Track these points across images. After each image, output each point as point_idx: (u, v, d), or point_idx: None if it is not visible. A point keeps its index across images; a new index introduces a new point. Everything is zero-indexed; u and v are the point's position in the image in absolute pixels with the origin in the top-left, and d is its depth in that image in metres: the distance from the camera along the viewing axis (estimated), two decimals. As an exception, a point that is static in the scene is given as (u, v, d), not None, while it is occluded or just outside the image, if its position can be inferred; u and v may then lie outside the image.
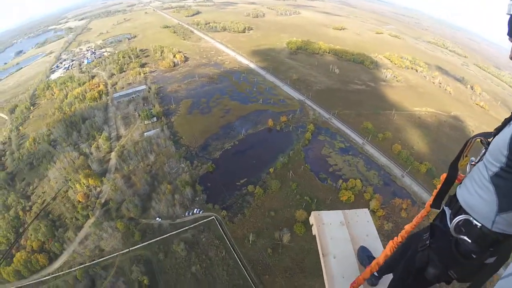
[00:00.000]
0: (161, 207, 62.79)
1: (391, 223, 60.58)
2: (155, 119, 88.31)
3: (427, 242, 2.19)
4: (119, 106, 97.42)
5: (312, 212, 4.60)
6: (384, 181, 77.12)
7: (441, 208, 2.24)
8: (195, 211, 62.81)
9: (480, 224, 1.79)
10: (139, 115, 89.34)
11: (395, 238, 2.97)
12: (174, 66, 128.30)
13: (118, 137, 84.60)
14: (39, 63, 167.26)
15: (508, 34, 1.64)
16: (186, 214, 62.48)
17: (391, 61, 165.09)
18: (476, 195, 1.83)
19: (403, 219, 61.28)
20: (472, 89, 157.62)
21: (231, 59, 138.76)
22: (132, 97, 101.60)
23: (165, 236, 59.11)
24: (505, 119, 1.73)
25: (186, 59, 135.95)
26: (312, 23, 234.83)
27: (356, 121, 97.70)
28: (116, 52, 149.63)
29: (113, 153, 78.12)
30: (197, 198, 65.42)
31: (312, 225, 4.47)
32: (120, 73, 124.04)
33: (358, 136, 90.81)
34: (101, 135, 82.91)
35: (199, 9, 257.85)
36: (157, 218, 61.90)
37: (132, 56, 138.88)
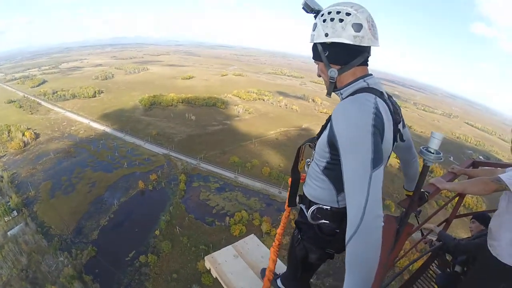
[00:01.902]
0: (54, 316, 55.65)
1: (287, 236, 64.49)
2: (15, 213, 78.66)
3: (299, 236, 2.73)
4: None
5: (205, 257, 4.74)
6: (266, 203, 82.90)
7: (297, 205, 2.82)
8: (92, 306, 56.81)
9: (329, 207, 2.32)
10: None
11: (274, 243, 3.48)
12: (25, 146, 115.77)
13: None
14: None
15: (313, 58, 2.26)
16: (84, 312, 56.33)
17: (240, 97, 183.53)
18: (316, 187, 2.37)
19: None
20: (313, 102, 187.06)
21: (85, 127, 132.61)
22: None
23: None
24: (322, 126, 2.36)
25: (37, 135, 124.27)
26: (161, 77, 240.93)
27: (223, 159, 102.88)
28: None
29: None
30: (89, 290, 59.91)
31: (210, 269, 4.61)
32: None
33: (229, 172, 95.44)
34: (-45, 248, 71.53)
35: (44, 78, 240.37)
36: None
37: None
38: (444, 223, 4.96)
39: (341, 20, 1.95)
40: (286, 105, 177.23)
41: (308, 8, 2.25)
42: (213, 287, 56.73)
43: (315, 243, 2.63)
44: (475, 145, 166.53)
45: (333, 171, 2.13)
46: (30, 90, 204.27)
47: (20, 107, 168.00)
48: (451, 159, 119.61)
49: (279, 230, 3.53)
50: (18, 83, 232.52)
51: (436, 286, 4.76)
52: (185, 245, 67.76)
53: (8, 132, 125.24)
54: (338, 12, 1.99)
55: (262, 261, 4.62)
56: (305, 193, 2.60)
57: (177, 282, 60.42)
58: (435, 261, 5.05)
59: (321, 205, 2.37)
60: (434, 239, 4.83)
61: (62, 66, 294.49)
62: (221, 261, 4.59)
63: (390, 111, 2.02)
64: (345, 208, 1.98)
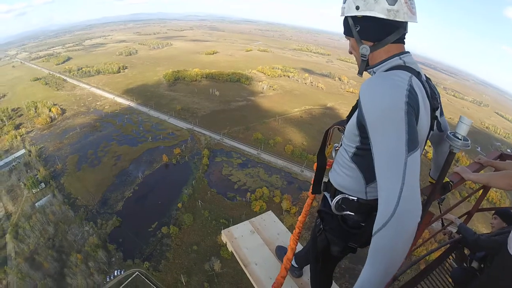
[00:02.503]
0: (78, 282, 56.84)
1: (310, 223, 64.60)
2: (43, 185, 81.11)
3: (321, 227, 2.56)
4: (0, 180, 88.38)
5: (222, 231, 4.81)
6: (287, 181, 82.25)
7: (322, 193, 2.70)
8: (115, 273, 58.24)
9: (356, 198, 2.13)
10: (25, 185, 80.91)
11: (294, 230, 3.39)
12: (52, 121, 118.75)
13: (8, 216, 75.08)
14: None
15: (344, 33, 2.10)
16: (107, 279, 57.46)
17: (265, 73, 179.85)
18: (344, 175, 2.17)
19: (314, 207, 65.61)
20: (340, 80, 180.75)
21: (110, 103, 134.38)
22: (13, 166, 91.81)
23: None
24: (352, 107, 2.14)
25: (63, 111, 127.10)
26: (185, 52, 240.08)
27: (246, 135, 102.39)
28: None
29: (7, 236, 68.67)
30: (113, 259, 61.11)
31: (226, 242, 4.69)
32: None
33: (252, 148, 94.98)
34: (-15, 219, 73.84)
35: (69, 55, 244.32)
36: (78, 296, 55.95)
37: (4, 118, 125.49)
38: (466, 215, 4.76)
39: None
40: (312, 82, 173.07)
41: None
42: (232, 261, 56.92)
43: (338, 235, 2.45)
44: (504, 137, 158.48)
45: (364, 158, 1.96)
46: (56, 67, 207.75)
47: (46, 84, 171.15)
48: (478, 149, 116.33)
49: (300, 218, 3.43)
50: (43, 61, 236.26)
51: (450, 280, 4.56)
52: (206, 219, 68.30)
53: (35, 108, 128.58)
54: None
55: (278, 238, 4.70)
56: (330, 181, 2.39)
57: (197, 253, 61.17)
58: (453, 254, 4.95)
59: (347, 195, 2.19)
60: (454, 231, 4.62)
61: (86, 43, 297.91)
62: (238, 236, 4.70)
63: (428, 95, 1.81)
64: (374, 200, 2.05)
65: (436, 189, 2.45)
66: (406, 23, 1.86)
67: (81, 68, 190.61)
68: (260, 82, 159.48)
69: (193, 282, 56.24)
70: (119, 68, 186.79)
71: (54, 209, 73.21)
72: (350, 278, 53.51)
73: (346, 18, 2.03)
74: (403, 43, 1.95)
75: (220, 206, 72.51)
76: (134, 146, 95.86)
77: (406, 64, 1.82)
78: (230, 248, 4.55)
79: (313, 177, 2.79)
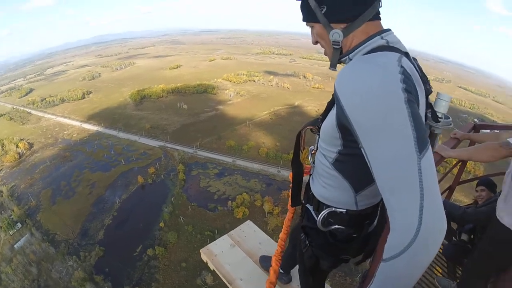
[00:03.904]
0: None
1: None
2: (19, 225, 79.04)
3: (306, 242, 2.12)
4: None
5: (201, 250, 4.55)
6: (266, 183, 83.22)
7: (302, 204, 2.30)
8: (107, 304, 56.85)
9: (344, 210, 1.76)
10: (1, 228, 78.66)
11: (276, 250, 3.12)
12: (20, 157, 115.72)
13: None
14: None
15: (303, 20, 1.60)
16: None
17: (230, 81, 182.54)
18: (328, 187, 1.77)
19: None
20: (305, 78, 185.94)
21: (78, 130, 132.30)
22: None
23: None
24: (328, 102, 1.57)
25: (31, 145, 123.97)
26: (149, 69, 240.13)
27: (219, 145, 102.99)
28: None
29: None
30: (102, 290, 60.08)
31: (206, 261, 4.44)
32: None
33: (226, 157, 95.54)
34: (-38, 268, 71.55)
35: (31, 86, 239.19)
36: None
37: None
38: (447, 191, 4.86)
39: None
40: (277, 84, 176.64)
41: None
42: (222, 272, 56.90)
43: (327, 250, 2.04)
44: (469, 108, 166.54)
45: (348, 164, 1.58)
46: (18, 101, 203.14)
47: (11, 119, 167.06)
48: (451, 125, 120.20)
49: (282, 235, 3.17)
50: (6, 96, 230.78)
51: (443, 258, 4.66)
52: (191, 234, 68.03)
53: (2, 146, 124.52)
54: None
55: (260, 248, 4.46)
56: (313, 193, 1.95)
57: (186, 270, 60.88)
58: None
59: (334, 208, 1.79)
60: None
61: (47, 72, 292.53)
62: (217, 252, 4.48)
63: (421, 78, 1.37)
64: (367, 209, 1.77)
65: None
66: None
67: (45, 98, 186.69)
68: (227, 90, 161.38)
69: (187, 299, 55.93)
70: (83, 93, 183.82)
71: (34, 248, 71.30)
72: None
73: (305, 1, 1.52)
74: (380, 19, 1.46)
75: (203, 219, 72.38)
76: (107, 171, 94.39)
77: (390, 44, 1.34)
78: (211, 267, 4.37)
79: (290, 188, 2.49)
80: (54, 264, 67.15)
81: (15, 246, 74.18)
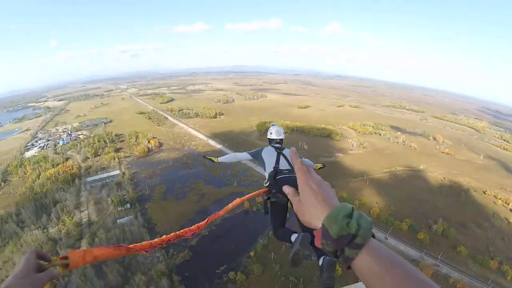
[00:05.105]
0: (135, 301, 56.72)
1: None
2: (128, 205, 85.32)
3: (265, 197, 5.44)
4: (92, 191, 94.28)
5: None
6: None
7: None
8: (172, 305, 56.54)
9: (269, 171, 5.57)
10: (112, 201, 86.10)
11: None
12: (149, 151, 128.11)
13: (90, 224, 79.98)
14: (14, 138, 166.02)
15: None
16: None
17: (355, 130, 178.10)
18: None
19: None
20: (434, 140, 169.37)
21: (204, 144, 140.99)
22: (106, 182, 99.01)
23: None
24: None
25: (161, 144, 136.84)
26: (279, 104, 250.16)
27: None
28: (92, 135, 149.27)
29: (83, 240, 72.62)
30: (174, 290, 60.20)
31: None
32: (95, 157, 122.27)
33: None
34: (71, 220, 78.47)
35: (172, 96, 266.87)
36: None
37: (107, 140, 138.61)
38: None
39: None
40: (404, 141, 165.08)
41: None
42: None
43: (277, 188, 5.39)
44: None
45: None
46: (159, 106, 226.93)
47: (149, 118, 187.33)
48: None
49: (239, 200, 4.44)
50: (149, 98, 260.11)
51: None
52: (276, 273, 64.61)
53: (136, 138, 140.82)
54: None
55: None
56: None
57: (258, 307, 57.63)
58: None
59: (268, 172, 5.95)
60: None
61: (188, 88, 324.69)
62: None
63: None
64: (274, 170, 5.79)
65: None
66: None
67: (182, 109, 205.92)
68: (350, 139, 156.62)
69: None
70: (216, 113, 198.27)
71: (133, 229, 75.53)
72: None
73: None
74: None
75: (294, 264, 69.12)
76: (219, 188, 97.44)
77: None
78: None
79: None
80: (144, 250, 69.10)
81: (118, 221, 79.85)
